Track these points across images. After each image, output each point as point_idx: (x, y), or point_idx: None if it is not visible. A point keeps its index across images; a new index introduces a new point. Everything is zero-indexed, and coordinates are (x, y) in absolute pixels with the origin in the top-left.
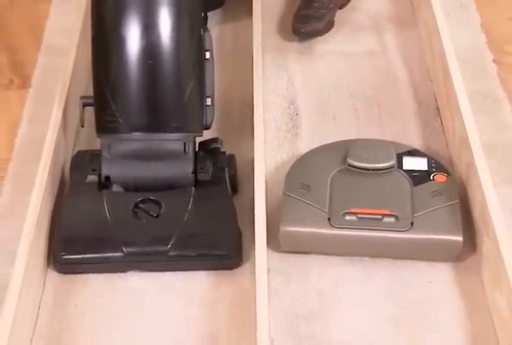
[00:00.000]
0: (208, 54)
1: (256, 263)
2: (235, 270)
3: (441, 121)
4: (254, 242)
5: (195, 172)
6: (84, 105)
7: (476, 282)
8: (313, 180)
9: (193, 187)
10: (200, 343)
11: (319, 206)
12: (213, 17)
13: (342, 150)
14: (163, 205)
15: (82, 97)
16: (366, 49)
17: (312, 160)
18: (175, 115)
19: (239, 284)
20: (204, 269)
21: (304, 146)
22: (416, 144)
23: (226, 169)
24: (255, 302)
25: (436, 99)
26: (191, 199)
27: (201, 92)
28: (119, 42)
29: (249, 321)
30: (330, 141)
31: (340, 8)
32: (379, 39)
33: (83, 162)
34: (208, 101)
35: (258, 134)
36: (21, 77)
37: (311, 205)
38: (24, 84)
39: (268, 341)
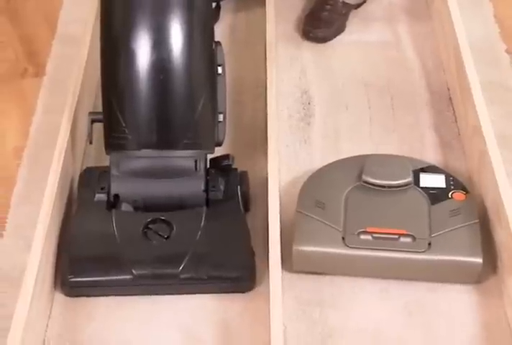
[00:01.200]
0: (220, 69)
1: (270, 258)
2: (248, 293)
3: (454, 111)
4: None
5: (206, 190)
6: (93, 121)
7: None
8: (327, 198)
9: (205, 207)
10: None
11: (333, 225)
12: (226, 6)
13: (357, 166)
14: (174, 226)
15: (90, 113)
16: (380, 39)
17: (326, 176)
18: (186, 131)
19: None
20: (216, 292)
21: (316, 135)
22: (428, 133)
23: (239, 187)
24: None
25: (448, 89)
26: (203, 219)
27: (213, 108)
28: (130, 56)
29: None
30: (342, 129)
31: (355, 8)
32: (393, 29)
33: (92, 179)
34: (221, 117)
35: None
36: (35, 65)
37: (325, 223)
38: (39, 72)
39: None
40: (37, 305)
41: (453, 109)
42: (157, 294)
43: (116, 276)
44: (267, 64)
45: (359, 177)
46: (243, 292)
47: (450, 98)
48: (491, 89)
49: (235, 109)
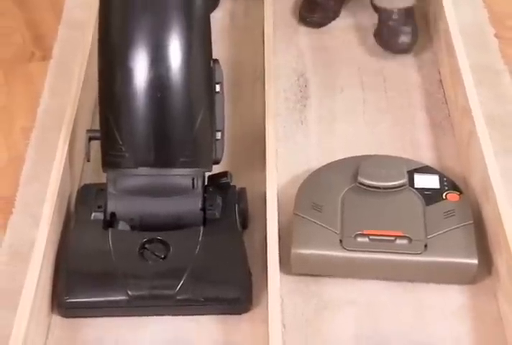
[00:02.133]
0: (218, 87)
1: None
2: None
3: (444, 93)
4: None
5: (203, 209)
6: (90, 139)
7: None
8: (324, 200)
9: (202, 227)
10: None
11: (331, 227)
12: None
13: (352, 167)
14: (171, 247)
15: (88, 131)
16: (373, 23)
17: (322, 178)
18: (183, 149)
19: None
20: (213, 314)
21: (313, 117)
22: (419, 114)
23: (236, 205)
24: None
25: (439, 72)
26: (200, 240)
27: (211, 126)
28: (127, 75)
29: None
30: (337, 111)
31: None
32: None
33: (89, 197)
34: (218, 135)
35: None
36: (42, 49)
37: (323, 226)
38: (46, 56)
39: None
40: (44, 279)
41: (443, 91)
42: (152, 315)
43: (112, 297)
44: (265, 48)
45: (355, 178)
46: (239, 313)
47: (440, 81)
48: (480, 72)
49: (234, 92)
